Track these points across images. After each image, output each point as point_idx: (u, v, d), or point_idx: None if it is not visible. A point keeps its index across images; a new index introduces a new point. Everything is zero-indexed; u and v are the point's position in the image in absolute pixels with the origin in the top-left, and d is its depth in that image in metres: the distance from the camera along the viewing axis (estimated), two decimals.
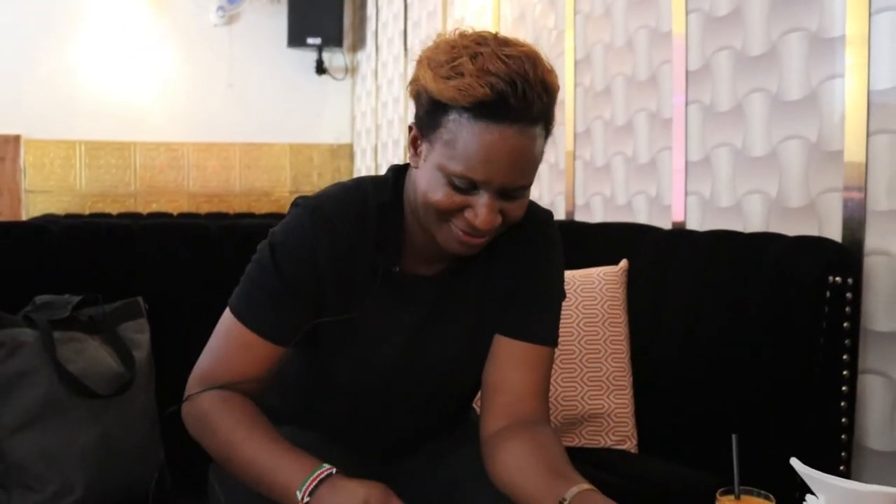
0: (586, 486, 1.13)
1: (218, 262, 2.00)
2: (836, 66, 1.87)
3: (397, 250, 1.31)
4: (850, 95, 1.83)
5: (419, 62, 1.20)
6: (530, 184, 1.22)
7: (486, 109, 1.12)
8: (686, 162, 2.42)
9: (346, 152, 6.37)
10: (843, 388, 1.78)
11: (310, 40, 6.21)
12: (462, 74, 1.12)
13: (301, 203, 1.30)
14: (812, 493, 1.21)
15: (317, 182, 5.95)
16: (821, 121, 1.93)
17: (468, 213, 1.18)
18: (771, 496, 1.16)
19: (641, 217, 2.63)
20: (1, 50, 5.81)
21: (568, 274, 2.07)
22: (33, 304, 1.72)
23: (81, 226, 2.05)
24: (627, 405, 1.99)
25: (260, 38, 6.32)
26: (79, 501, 1.59)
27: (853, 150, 1.83)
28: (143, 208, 5.84)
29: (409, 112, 5.13)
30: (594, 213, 2.91)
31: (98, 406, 1.63)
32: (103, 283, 1.82)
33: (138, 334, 1.79)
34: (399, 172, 1.34)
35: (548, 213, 1.42)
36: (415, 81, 1.21)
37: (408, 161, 1.33)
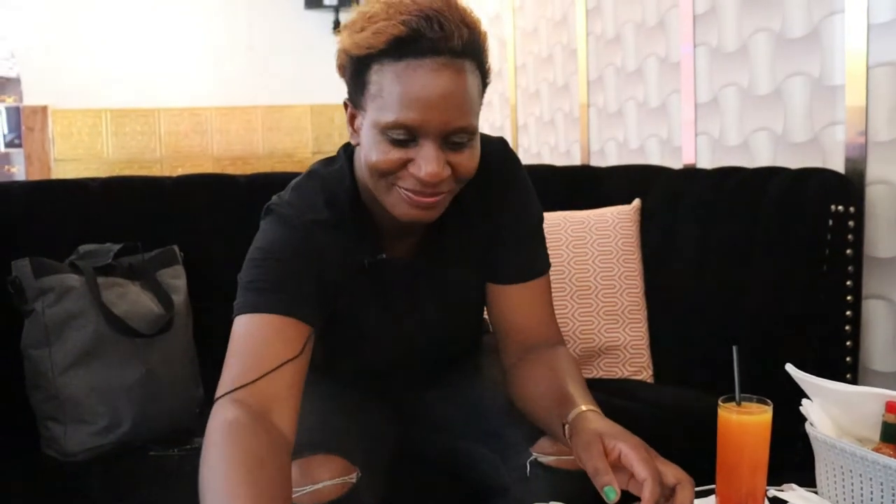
0: (584, 407, 1.15)
1: (247, 213, 2.08)
2: (836, 2, 1.93)
3: (374, 236, 1.29)
4: (850, 30, 1.88)
5: (339, 39, 1.17)
6: (472, 128, 1.14)
7: (405, 46, 1.08)
8: (695, 103, 2.49)
9: None
10: (848, 312, 1.85)
11: (326, 1, 6.26)
12: (375, 21, 1.10)
13: (275, 210, 1.26)
14: (808, 398, 1.30)
15: (338, 142, 5.93)
16: (822, 56, 1.99)
17: (412, 168, 1.13)
18: (768, 401, 1.25)
19: (654, 159, 2.70)
20: (26, 24, 5.91)
21: (583, 213, 2.17)
22: (77, 253, 1.82)
23: (118, 182, 2.14)
24: (643, 337, 2.08)
25: (277, 0, 6.38)
26: (127, 433, 1.71)
27: (854, 83, 1.89)
28: (169, 173, 5.87)
29: None
30: (608, 157, 2.98)
31: (142, 345, 1.74)
32: (141, 234, 1.92)
33: (175, 280, 1.89)
34: (350, 153, 1.31)
35: (500, 141, 1.37)
36: (337, 57, 1.19)
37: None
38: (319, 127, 6.39)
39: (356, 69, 1.15)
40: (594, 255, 2.10)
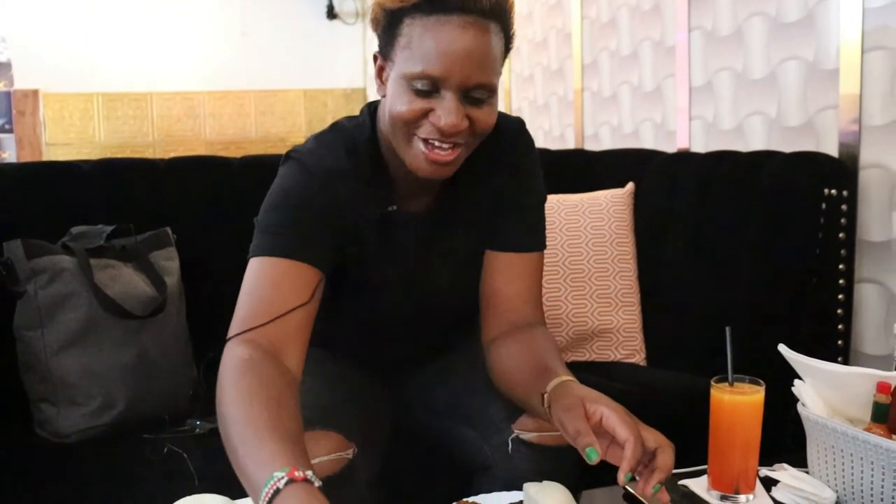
0: (565, 378, 1.17)
1: (239, 195, 2.09)
2: None
3: (388, 190, 1.34)
4: (844, 14, 1.88)
5: None
6: (492, 85, 1.20)
7: (436, 2, 1.15)
8: (689, 88, 2.49)
9: (360, 97, 6.42)
10: (840, 296, 1.86)
11: None
12: None
13: (295, 157, 1.30)
14: (800, 379, 1.30)
15: None
16: (817, 41, 1.99)
17: (432, 118, 1.18)
18: (761, 381, 1.25)
19: (648, 144, 2.70)
20: (16, 8, 5.87)
21: (576, 197, 2.17)
22: (70, 235, 1.82)
23: (111, 164, 2.13)
24: (635, 320, 2.08)
25: None
26: (121, 415, 1.70)
27: (848, 67, 1.89)
28: (162, 157, 5.88)
29: None
30: (602, 142, 2.98)
31: (135, 327, 1.74)
32: (133, 216, 1.91)
33: (168, 262, 1.89)
34: (373, 109, 1.35)
35: (518, 121, 1.43)
36: (371, 11, 1.24)
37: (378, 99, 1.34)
38: (312, 111, 6.36)
39: (389, 21, 1.20)
40: (587, 239, 2.10)
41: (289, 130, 6.36)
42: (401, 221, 1.36)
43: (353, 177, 1.30)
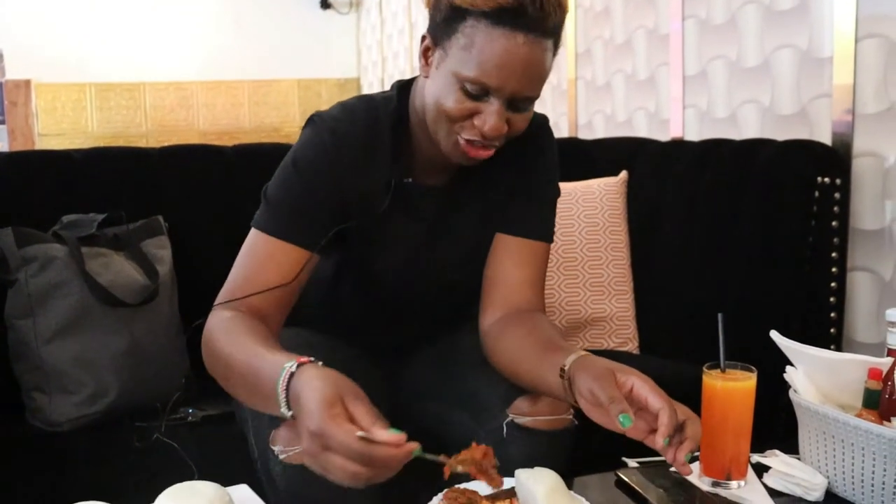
0: (583, 353, 1.18)
1: (232, 183, 2.09)
2: None
3: (408, 162, 1.36)
4: (838, 2, 1.88)
5: None
6: (537, 97, 1.25)
7: (506, 15, 1.16)
8: (683, 76, 2.48)
9: (354, 87, 6.40)
10: (833, 284, 1.86)
11: None
12: None
13: (317, 120, 1.34)
14: (791, 365, 1.30)
15: None
16: (811, 29, 1.99)
17: (477, 121, 1.22)
18: (753, 368, 1.26)
19: (641, 132, 2.69)
20: None
21: (569, 185, 2.16)
22: (61, 223, 1.81)
23: (102, 152, 2.12)
24: (628, 309, 2.08)
25: None
26: (113, 403, 1.70)
27: (842, 55, 1.89)
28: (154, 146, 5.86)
29: (414, 44, 5.15)
30: (596, 130, 2.97)
31: (126, 315, 1.73)
32: (125, 205, 1.90)
33: (160, 250, 1.88)
34: (403, 87, 1.38)
35: (543, 117, 1.47)
36: None
37: (410, 77, 1.39)
38: (307, 101, 6.34)
39: (451, 14, 1.21)
40: (581, 227, 2.10)
41: (283, 120, 6.34)
42: (415, 193, 1.38)
43: (370, 145, 1.33)
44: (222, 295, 1.27)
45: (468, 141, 1.24)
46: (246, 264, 1.29)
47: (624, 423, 1.03)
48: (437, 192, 1.40)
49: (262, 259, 1.28)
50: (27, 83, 5.87)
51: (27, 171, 1.96)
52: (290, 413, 1.02)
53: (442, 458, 1.01)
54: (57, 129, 6.03)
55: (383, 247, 1.39)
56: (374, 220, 1.35)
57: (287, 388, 1.02)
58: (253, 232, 1.31)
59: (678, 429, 1.06)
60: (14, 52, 5.81)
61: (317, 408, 0.95)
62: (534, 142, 1.42)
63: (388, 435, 0.94)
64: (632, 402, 1.07)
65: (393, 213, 1.36)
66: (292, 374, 1.01)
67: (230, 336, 1.18)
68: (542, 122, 1.46)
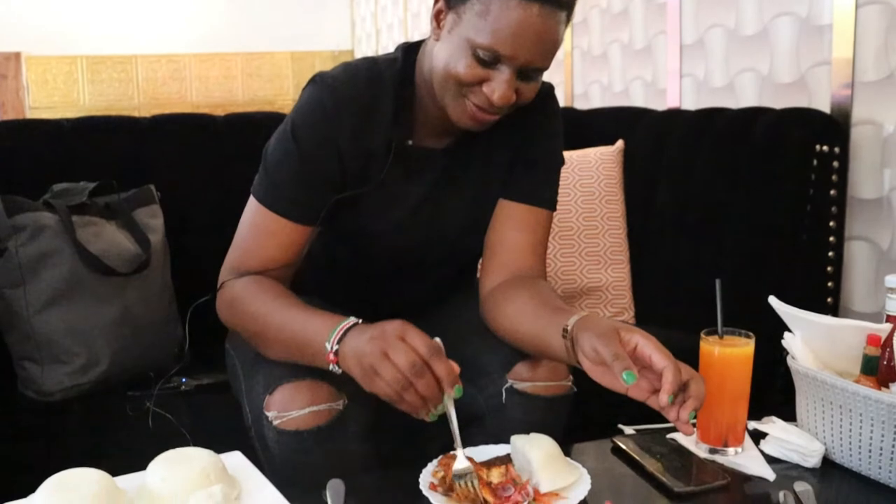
0: (586, 313, 1.17)
1: (224, 153, 2.06)
2: None
3: (410, 124, 1.35)
4: None
5: None
6: (547, 68, 1.25)
7: None
8: (680, 45, 2.46)
9: (347, 59, 6.37)
10: (830, 253, 1.85)
11: None
12: None
13: (319, 81, 1.32)
14: (790, 332, 1.29)
15: None
16: None
17: (486, 88, 1.21)
18: (751, 334, 1.25)
19: (638, 102, 2.67)
20: None
21: (565, 154, 2.13)
22: (51, 192, 1.78)
23: (93, 121, 2.09)
24: (625, 278, 2.07)
25: None
26: (105, 373, 1.68)
27: (842, 22, 1.87)
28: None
29: (409, 14, 5.11)
30: (592, 101, 2.95)
31: (119, 284, 1.71)
32: (116, 174, 1.87)
33: (152, 219, 1.86)
34: (409, 49, 1.37)
35: (549, 85, 1.44)
36: None
37: (414, 40, 1.37)
38: (300, 74, 6.31)
39: None
40: (577, 196, 2.08)
41: (276, 93, 6.31)
42: (416, 157, 1.36)
43: (372, 106, 1.31)
44: (227, 266, 1.33)
45: (476, 105, 1.24)
46: (248, 238, 1.33)
47: (627, 379, 1.02)
48: (439, 156, 1.38)
49: (264, 235, 1.31)
50: (17, 56, 5.82)
51: (16, 139, 1.93)
52: (339, 370, 1.14)
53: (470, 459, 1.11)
54: (48, 103, 5.99)
55: (382, 209, 1.38)
56: (374, 182, 1.34)
57: (337, 343, 1.13)
58: (254, 203, 1.32)
59: (682, 388, 1.05)
60: (3, 25, 5.76)
61: (399, 322, 1.10)
62: (540, 109, 1.41)
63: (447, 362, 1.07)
64: (635, 360, 1.06)
65: (393, 175, 1.34)
66: (347, 330, 1.13)
67: (260, 299, 1.26)
68: (548, 90, 1.44)
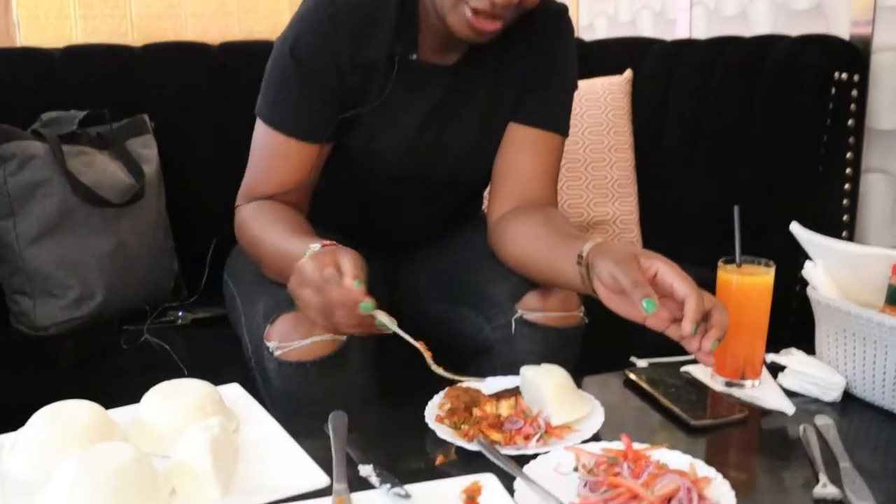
0: (600, 239, 1.11)
1: (220, 82, 2.00)
2: None
3: (414, 37, 1.28)
4: None
5: None
6: None
7: None
8: None
9: None
10: (846, 185, 1.80)
11: None
12: None
13: None
14: (810, 260, 1.24)
15: None
16: None
17: None
18: (771, 262, 1.19)
19: (646, 33, 2.58)
20: None
21: None
22: (40, 121, 1.72)
23: (83, 49, 2.02)
24: (632, 211, 2.01)
25: None
26: (100, 306, 1.64)
27: None
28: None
29: None
30: (597, 32, 2.86)
31: (112, 215, 1.66)
32: (108, 104, 1.81)
33: (146, 149, 1.80)
34: None
35: (563, 6, 1.38)
36: None
37: None
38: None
39: None
40: (583, 128, 2.01)
41: (273, 30, 6.16)
42: (420, 72, 1.30)
43: (373, 17, 1.26)
44: (241, 192, 1.32)
45: (475, 11, 1.16)
46: (258, 160, 1.31)
47: (648, 308, 0.95)
48: (445, 72, 1.32)
49: (272, 156, 1.29)
50: None
51: (5, 69, 1.86)
52: None
53: (420, 344, 1.04)
54: (40, 40, 5.84)
55: (384, 127, 1.31)
56: (376, 98, 1.28)
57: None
58: (261, 126, 1.29)
59: (703, 317, 0.99)
60: None
61: (322, 252, 1.04)
62: (553, 29, 1.35)
63: (349, 281, 0.99)
64: (655, 288, 0.98)
65: (396, 91, 1.28)
66: (316, 248, 1.06)
67: (259, 222, 1.25)
68: (561, 9, 1.37)
